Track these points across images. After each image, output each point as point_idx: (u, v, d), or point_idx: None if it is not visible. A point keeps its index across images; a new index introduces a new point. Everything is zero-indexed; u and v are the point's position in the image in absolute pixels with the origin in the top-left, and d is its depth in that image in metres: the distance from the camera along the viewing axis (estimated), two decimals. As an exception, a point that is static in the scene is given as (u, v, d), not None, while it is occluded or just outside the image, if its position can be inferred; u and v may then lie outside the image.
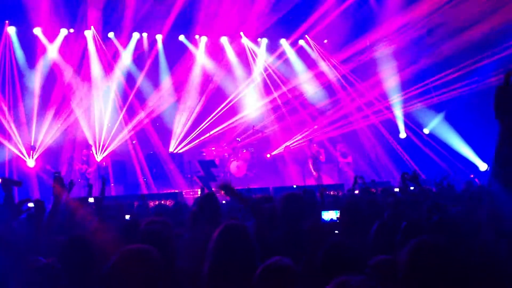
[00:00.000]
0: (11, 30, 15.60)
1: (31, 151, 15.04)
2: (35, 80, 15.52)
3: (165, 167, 16.77)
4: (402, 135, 17.73)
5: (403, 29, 16.78)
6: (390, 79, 17.52)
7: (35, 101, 15.51)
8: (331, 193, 12.36)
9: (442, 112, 17.06)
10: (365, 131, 18.19)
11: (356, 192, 8.07)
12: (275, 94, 18.62)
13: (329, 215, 4.76)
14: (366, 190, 7.62)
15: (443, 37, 16.12)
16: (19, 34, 15.70)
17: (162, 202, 11.33)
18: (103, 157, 16.19)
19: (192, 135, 17.91)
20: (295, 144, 18.24)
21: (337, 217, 4.72)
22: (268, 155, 18.38)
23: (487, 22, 14.81)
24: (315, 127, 18.10)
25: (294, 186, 10.81)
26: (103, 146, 16.39)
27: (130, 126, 16.88)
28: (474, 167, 15.91)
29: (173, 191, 14.46)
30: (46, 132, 15.59)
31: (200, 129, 17.96)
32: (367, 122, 18.17)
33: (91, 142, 16.11)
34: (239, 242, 3.34)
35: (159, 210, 7.18)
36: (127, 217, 6.63)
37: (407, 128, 17.75)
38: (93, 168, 15.11)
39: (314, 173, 16.04)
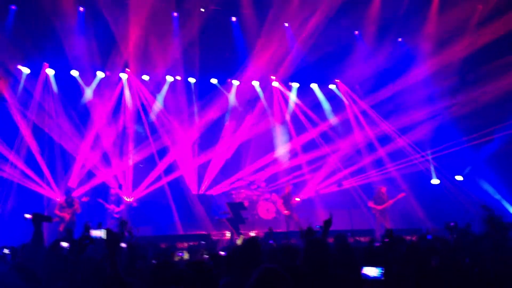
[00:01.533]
0: (50, 72, 16.14)
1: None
2: (71, 121, 16.03)
3: (193, 208, 16.83)
4: (435, 181, 17.43)
5: (436, 75, 16.84)
6: (421, 126, 17.45)
7: (69, 141, 15.97)
8: (361, 239, 12.14)
9: (470, 166, 16.98)
10: (397, 177, 17.91)
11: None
12: (306, 137, 18.66)
13: (371, 271, 4.22)
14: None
15: (476, 85, 16.13)
16: (57, 76, 16.24)
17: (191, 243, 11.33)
18: (134, 197, 16.37)
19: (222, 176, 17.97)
20: (324, 188, 18.10)
21: (381, 273, 4.18)
22: (298, 199, 18.24)
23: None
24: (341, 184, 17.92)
25: (318, 227, 10.60)
26: (133, 186, 16.59)
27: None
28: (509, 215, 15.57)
29: (201, 233, 14.41)
30: (82, 172, 15.96)
31: (230, 171, 18.03)
32: (399, 168, 17.91)
33: (120, 182, 16.34)
34: (278, 286, 3.27)
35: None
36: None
37: (439, 175, 17.49)
38: (120, 208, 15.21)
39: (286, 211, 15.72)
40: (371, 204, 15.73)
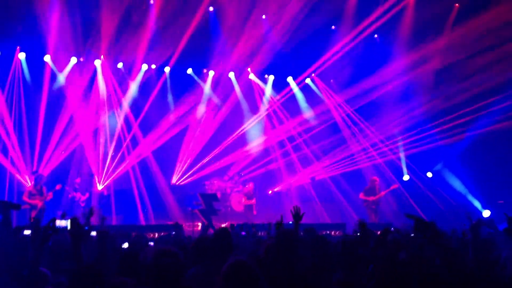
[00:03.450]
0: (22, 56, 15.79)
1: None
2: (42, 107, 15.70)
3: (165, 199, 16.75)
4: (406, 177, 17.64)
5: (409, 71, 17.03)
6: (394, 121, 17.64)
7: (40, 127, 15.65)
8: (332, 233, 12.21)
9: (441, 162, 17.25)
10: (369, 171, 18.06)
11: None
12: (280, 130, 18.71)
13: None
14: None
15: (449, 81, 16.36)
16: (29, 60, 15.89)
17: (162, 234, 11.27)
18: (105, 186, 16.18)
19: (195, 167, 17.90)
20: (297, 181, 18.17)
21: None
22: (270, 192, 18.32)
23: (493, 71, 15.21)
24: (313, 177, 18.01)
25: (290, 223, 10.70)
26: (105, 175, 16.40)
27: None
28: (478, 213, 15.87)
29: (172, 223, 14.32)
30: (49, 158, 15.67)
31: (203, 162, 17.96)
32: (370, 163, 18.08)
33: (92, 170, 16.15)
34: (247, 279, 3.27)
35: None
36: (125, 245, 6.53)
37: (410, 171, 17.71)
38: (85, 197, 14.99)
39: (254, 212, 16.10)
40: (362, 196, 15.37)
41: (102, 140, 16.63)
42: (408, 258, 5.09)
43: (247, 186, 17.18)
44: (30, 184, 14.30)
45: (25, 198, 13.24)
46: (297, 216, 5.47)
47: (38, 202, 13.20)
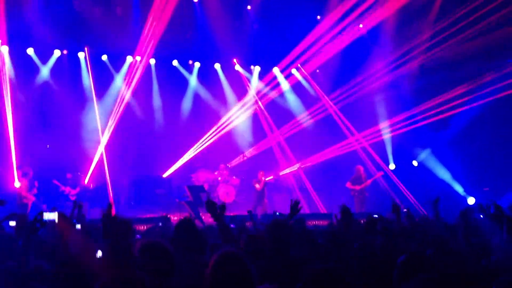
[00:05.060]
0: (4, 50, 15.56)
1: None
2: (27, 100, 15.52)
3: (152, 191, 16.70)
4: (392, 166, 17.70)
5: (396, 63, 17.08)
6: (380, 112, 17.68)
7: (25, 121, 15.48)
8: (320, 223, 12.21)
9: (427, 149, 17.33)
10: (355, 160, 18.08)
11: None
12: (268, 119, 18.71)
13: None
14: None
15: (434, 71, 16.44)
16: (11, 53, 15.67)
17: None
18: (89, 179, 16.04)
19: (184, 160, 17.85)
20: (285, 171, 18.16)
21: None
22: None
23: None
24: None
25: (277, 214, 10.65)
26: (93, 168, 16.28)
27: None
28: (463, 200, 16.00)
29: (159, 215, 14.29)
30: (35, 152, 15.51)
31: (190, 153, 17.90)
32: (359, 147, 18.08)
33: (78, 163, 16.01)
34: (237, 270, 3.25)
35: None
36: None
37: (396, 159, 17.77)
38: (76, 191, 14.88)
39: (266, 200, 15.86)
40: (349, 185, 15.45)
41: (86, 134, 16.46)
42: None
43: (234, 177, 17.19)
44: (18, 179, 14.14)
45: (24, 193, 13.29)
46: (294, 208, 5.48)
47: (32, 197, 13.32)
